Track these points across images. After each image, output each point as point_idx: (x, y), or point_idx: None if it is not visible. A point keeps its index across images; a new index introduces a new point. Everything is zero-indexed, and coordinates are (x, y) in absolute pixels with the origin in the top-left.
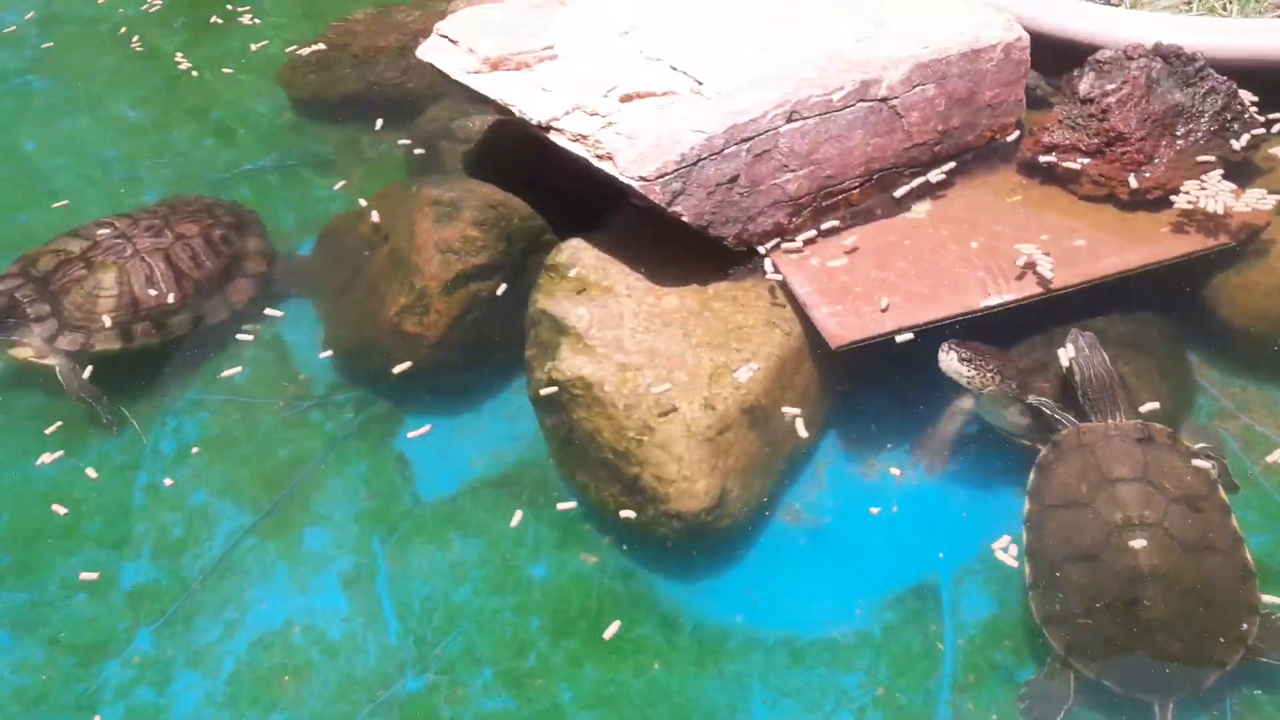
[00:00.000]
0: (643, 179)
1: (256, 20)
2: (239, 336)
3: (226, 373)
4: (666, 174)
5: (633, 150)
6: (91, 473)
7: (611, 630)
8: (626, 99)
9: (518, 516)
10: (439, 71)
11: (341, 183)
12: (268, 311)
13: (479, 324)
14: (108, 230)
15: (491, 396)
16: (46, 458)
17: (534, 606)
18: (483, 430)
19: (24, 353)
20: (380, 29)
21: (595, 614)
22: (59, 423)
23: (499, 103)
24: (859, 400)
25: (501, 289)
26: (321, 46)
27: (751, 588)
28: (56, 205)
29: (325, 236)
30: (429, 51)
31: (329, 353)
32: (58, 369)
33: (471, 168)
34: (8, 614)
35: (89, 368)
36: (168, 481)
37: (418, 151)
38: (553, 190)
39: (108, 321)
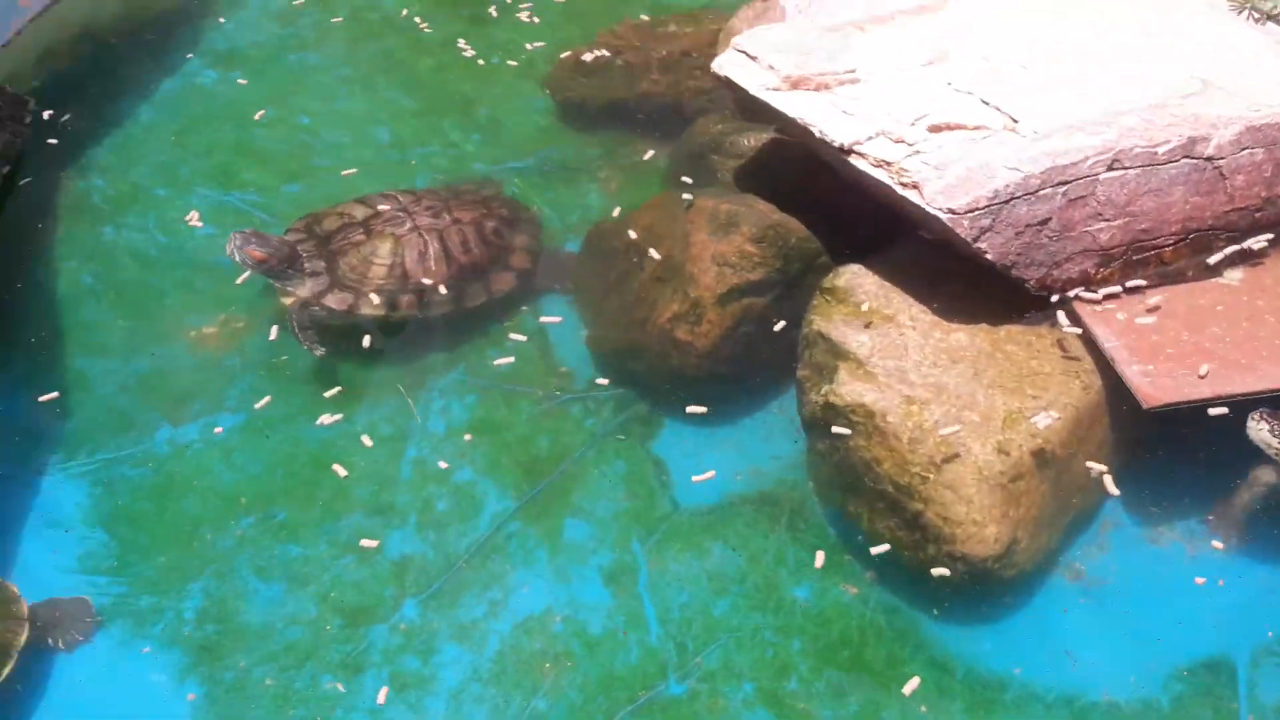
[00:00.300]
0: (951, 211)
1: (535, 19)
2: (505, 326)
3: (499, 361)
4: (977, 209)
5: (940, 181)
6: (367, 440)
7: (911, 686)
8: (935, 129)
9: (777, 537)
10: (720, 86)
11: (602, 188)
12: (543, 319)
13: (749, 339)
14: (391, 204)
15: (751, 413)
16: (326, 419)
17: (795, 629)
18: (741, 446)
19: (291, 302)
20: (651, 40)
21: (857, 644)
22: (338, 388)
23: (798, 122)
24: (1153, 463)
25: (774, 307)
26: (604, 53)
27: (1070, 650)
28: (346, 172)
29: (590, 239)
30: (726, 65)
31: (589, 350)
32: (290, 309)
33: (743, 184)
34: (282, 568)
35: (367, 337)
36: (436, 459)
37: (683, 164)
38: (826, 214)
39: (376, 287)
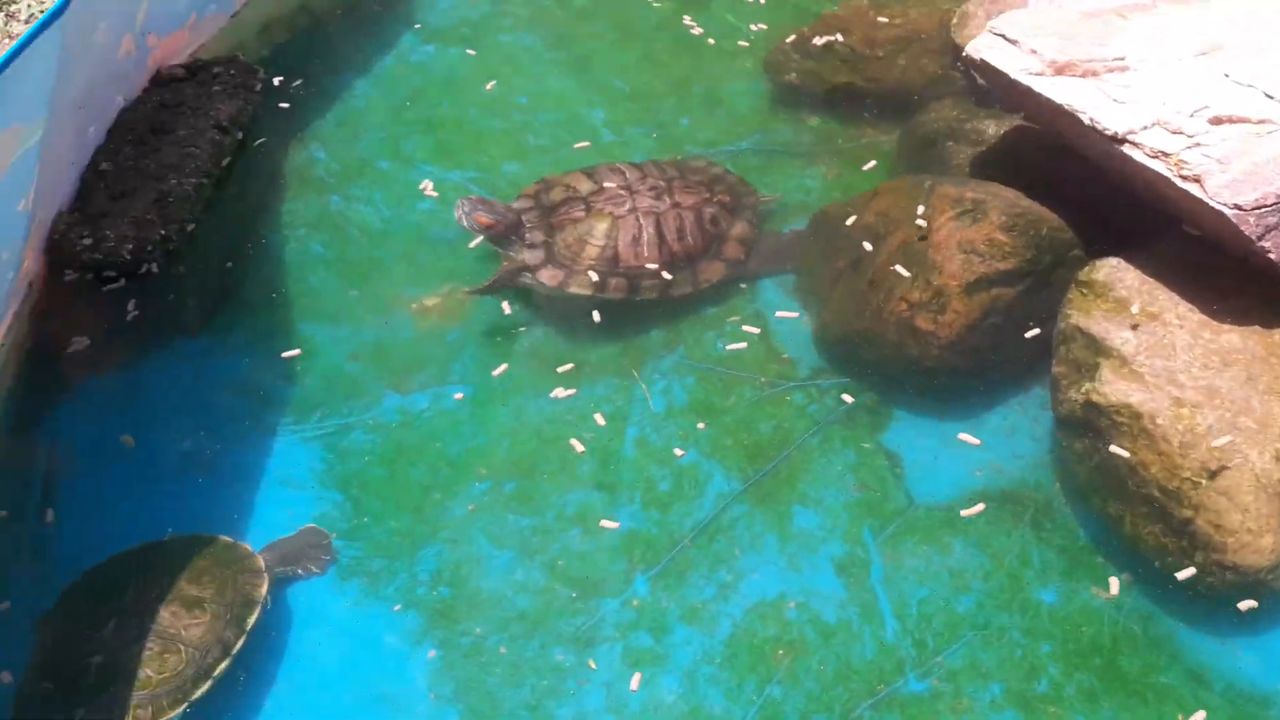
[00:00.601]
0: (1236, 207)
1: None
2: (724, 308)
3: (720, 345)
4: (1265, 206)
5: (1225, 175)
6: (599, 418)
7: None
8: (1216, 121)
9: (1020, 536)
10: (961, 70)
11: (823, 173)
12: (780, 313)
13: (995, 331)
14: (617, 179)
15: (991, 408)
16: (560, 392)
17: (1042, 632)
18: (981, 441)
19: (507, 265)
20: (876, 23)
21: (1109, 651)
22: (571, 364)
23: (1065, 109)
24: None
25: (1023, 299)
26: (836, 37)
27: None
28: (579, 145)
29: (816, 224)
30: (982, 48)
31: (813, 337)
32: (502, 269)
33: (982, 172)
34: (513, 536)
35: (595, 312)
36: (659, 438)
37: (912, 150)
38: (1076, 205)
39: (588, 267)
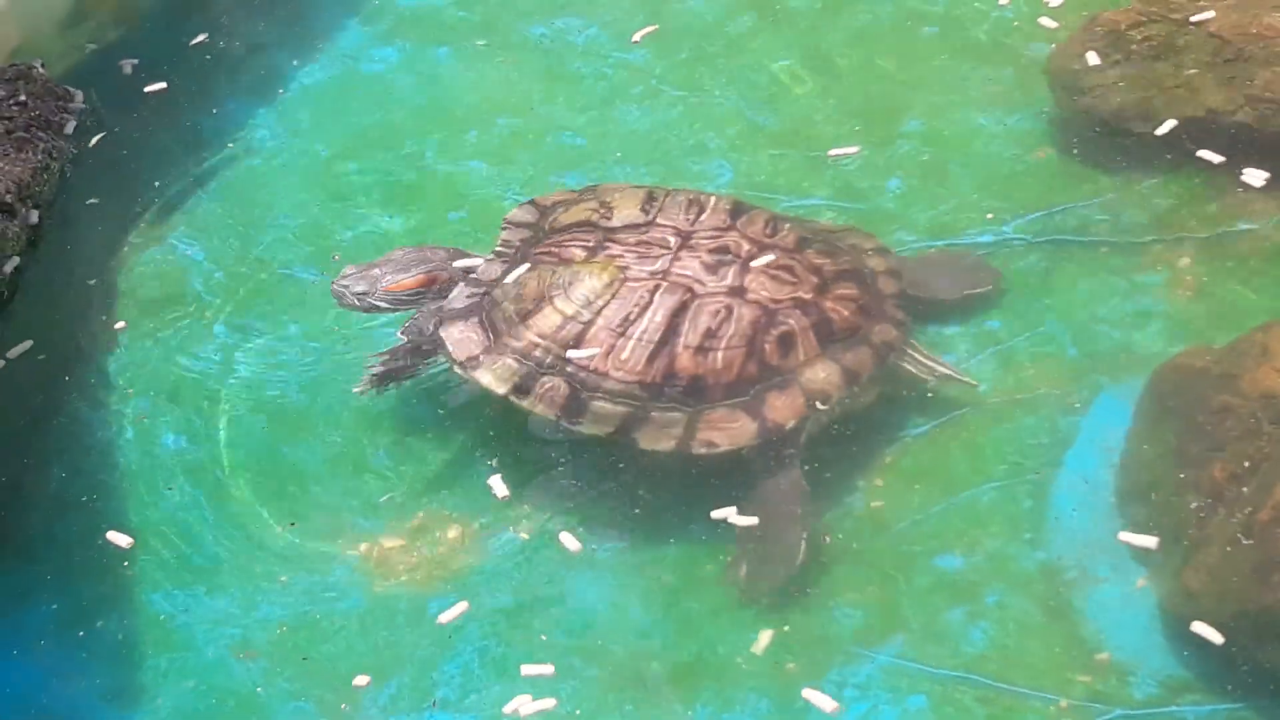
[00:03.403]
0: None
1: None
2: None
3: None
4: None
5: None
6: None
7: None
8: None
9: None
10: None
11: (1163, 279)
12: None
13: None
14: (679, 218)
15: None
16: None
17: None
18: None
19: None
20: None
21: None
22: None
23: None
24: None
25: None
26: (1193, 19)
27: None
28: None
29: (1157, 389)
30: None
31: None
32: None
33: None
34: None
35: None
36: None
37: None
38: None
39: (526, 346)
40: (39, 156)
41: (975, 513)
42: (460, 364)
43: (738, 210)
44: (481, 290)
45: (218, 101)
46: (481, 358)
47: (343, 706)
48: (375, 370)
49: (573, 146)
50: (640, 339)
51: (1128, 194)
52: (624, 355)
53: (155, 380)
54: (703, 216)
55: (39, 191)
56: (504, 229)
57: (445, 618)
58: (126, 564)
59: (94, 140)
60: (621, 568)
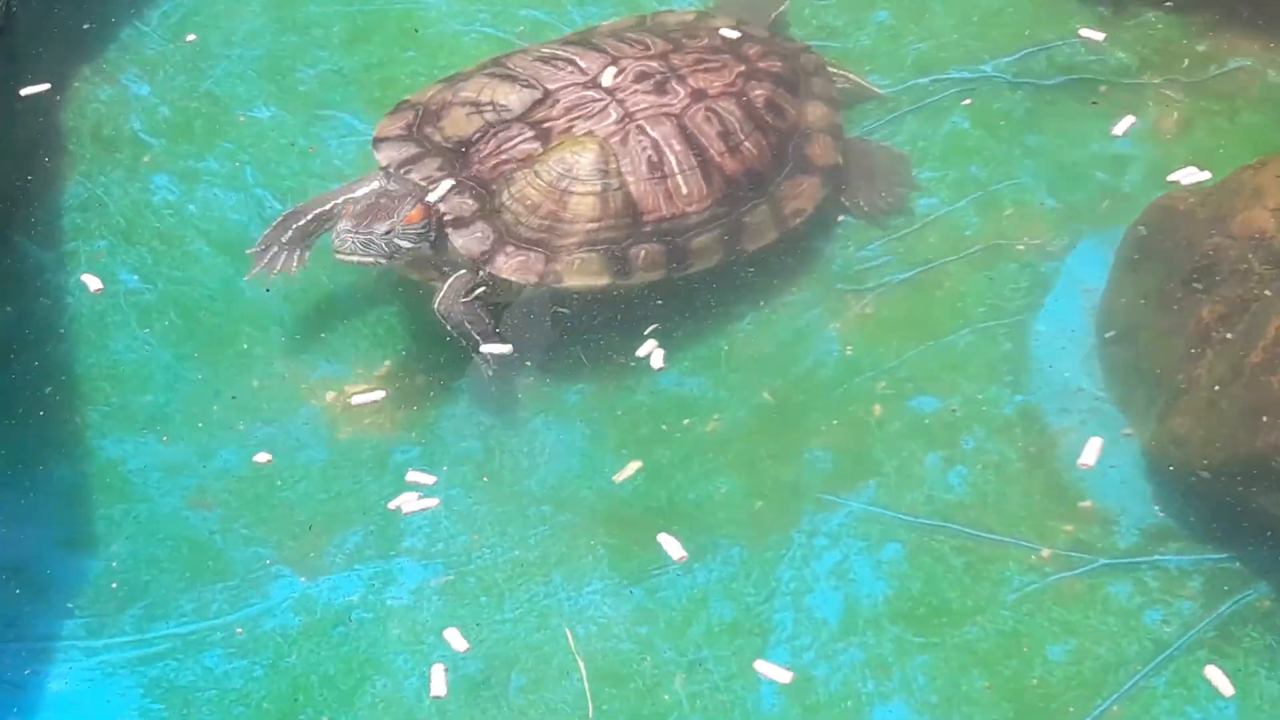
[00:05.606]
0: None
1: None
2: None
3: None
4: None
5: None
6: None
7: None
8: None
9: None
10: None
11: (1153, 120)
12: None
13: None
14: (567, 75)
15: None
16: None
17: None
18: None
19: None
20: None
21: None
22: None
23: None
24: None
25: None
26: None
27: None
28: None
29: (1144, 231)
30: None
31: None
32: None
33: None
34: None
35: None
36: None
37: None
38: None
39: (585, 237)
40: None
41: (952, 356)
42: (543, 282)
43: (593, 39)
44: (472, 213)
45: None
46: (554, 267)
47: (310, 555)
48: (484, 350)
49: None
50: (682, 171)
51: (1116, 30)
52: (685, 191)
53: (107, 220)
54: (581, 60)
55: None
56: (380, 149)
57: (411, 477)
58: (77, 410)
59: None
60: (590, 414)
